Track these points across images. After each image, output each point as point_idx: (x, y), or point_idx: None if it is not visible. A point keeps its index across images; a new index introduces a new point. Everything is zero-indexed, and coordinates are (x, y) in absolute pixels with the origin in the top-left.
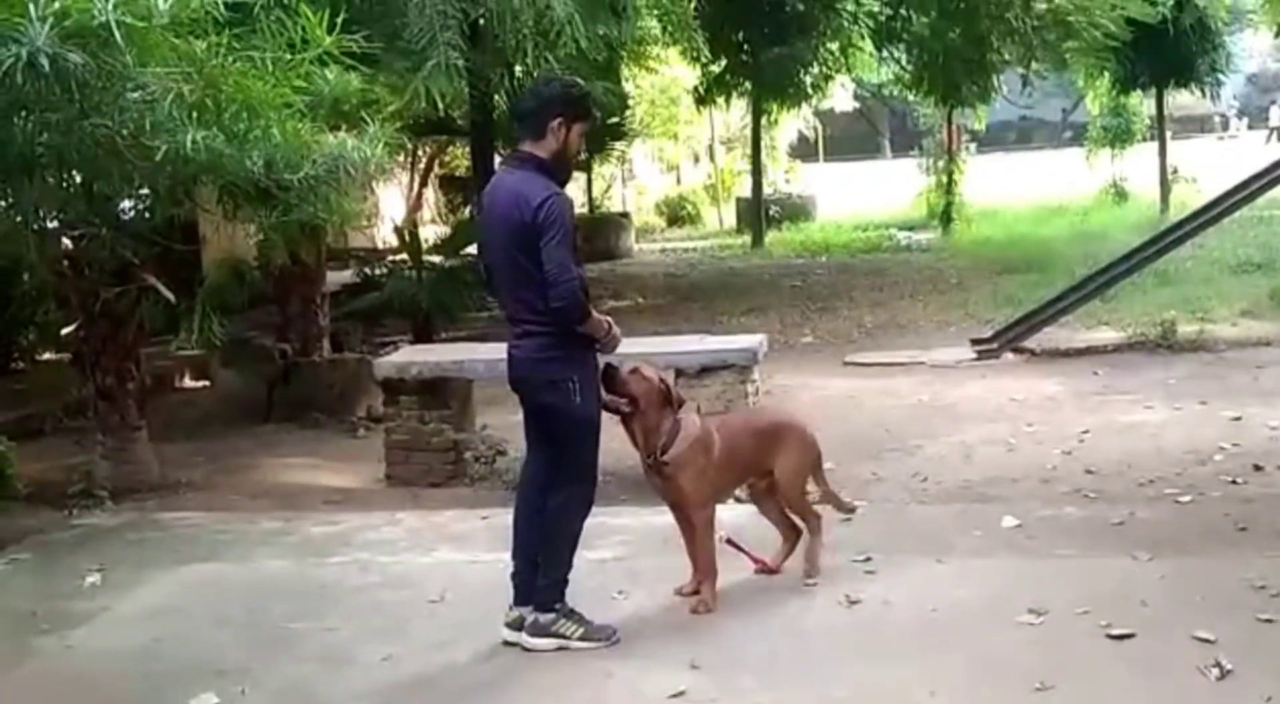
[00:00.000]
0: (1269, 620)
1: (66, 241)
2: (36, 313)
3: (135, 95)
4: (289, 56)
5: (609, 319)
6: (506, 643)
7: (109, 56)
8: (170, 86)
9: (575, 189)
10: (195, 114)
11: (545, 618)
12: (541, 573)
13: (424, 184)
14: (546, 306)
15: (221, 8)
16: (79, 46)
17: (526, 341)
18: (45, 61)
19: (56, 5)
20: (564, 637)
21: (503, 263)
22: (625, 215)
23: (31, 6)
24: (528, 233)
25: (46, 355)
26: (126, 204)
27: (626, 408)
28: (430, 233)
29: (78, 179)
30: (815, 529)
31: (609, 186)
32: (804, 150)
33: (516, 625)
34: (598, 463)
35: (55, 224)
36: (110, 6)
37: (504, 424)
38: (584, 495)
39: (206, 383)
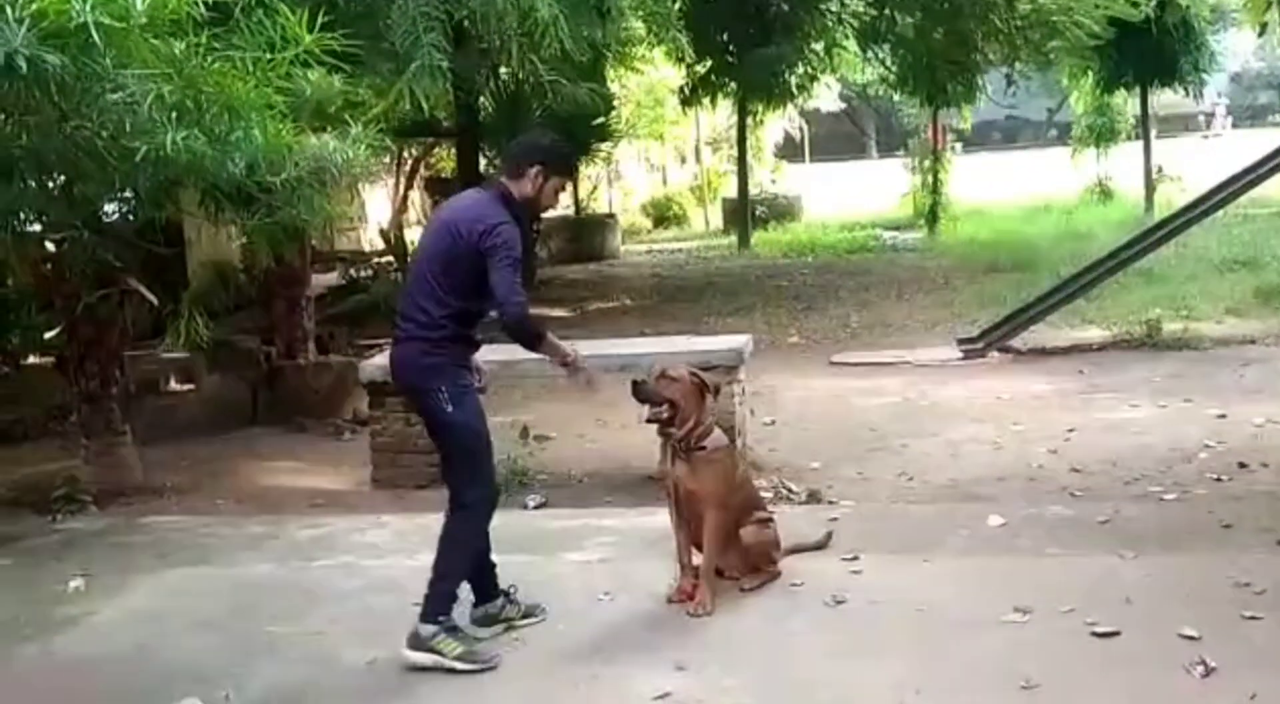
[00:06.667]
0: (1254, 618)
1: (49, 245)
2: (20, 317)
3: (115, 97)
4: (269, 57)
5: (573, 348)
6: (476, 639)
7: (88, 58)
8: (150, 88)
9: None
10: (175, 115)
11: (426, 631)
12: (431, 581)
13: (409, 186)
14: (436, 317)
15: (201, 8)
16: (57, 48)
17: (407, 345)
18: (23, 63)
19: (34, 6)
20: (441, 654)
21: (423, 269)
22: (611, 216)
23: (8, 8)
24: (460, 250)
25: (31, 360)
26: (109, 207)
27: (666, 414)
28: (416, 235)
29: (59, 181)
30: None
31: (595, 188)
32: (789, 151)
33: (483, 622)
34: (489, 472)
35: (37, 228)
36: (88, 7)
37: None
38: (474, 504)
39: (192, 386)
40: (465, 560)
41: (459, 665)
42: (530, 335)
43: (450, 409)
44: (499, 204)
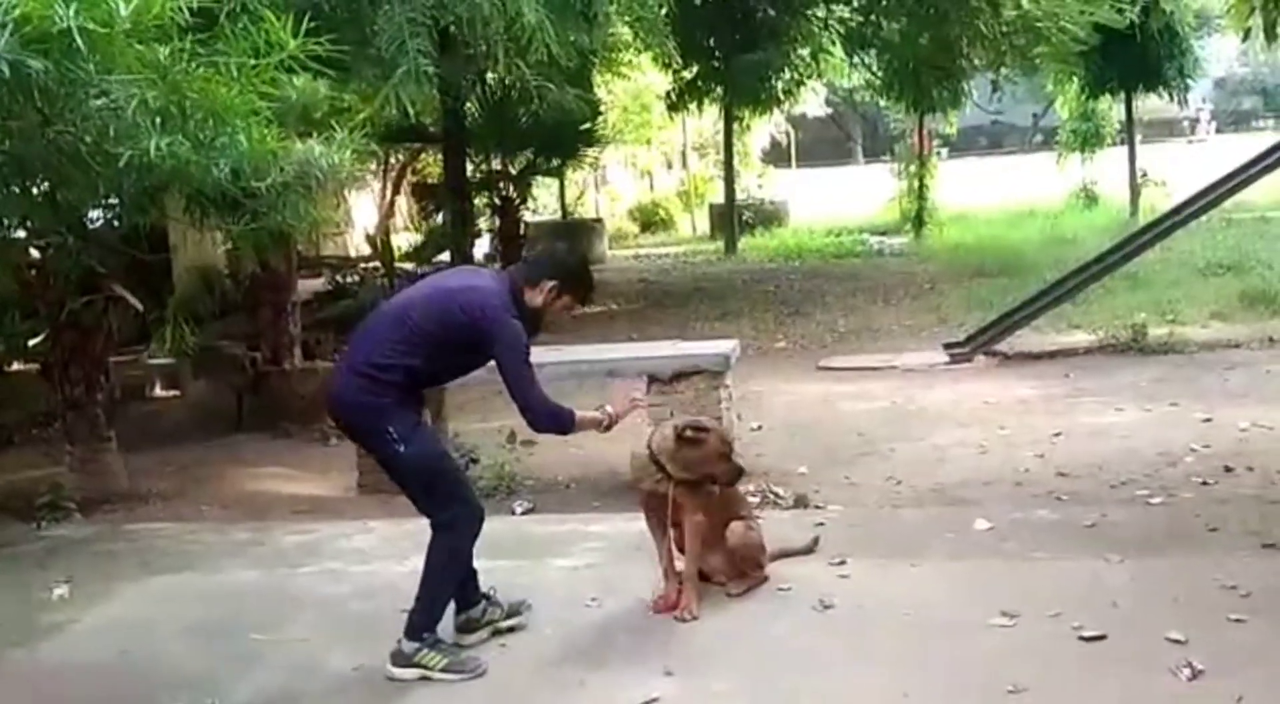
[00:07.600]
0: (1239, 621)
1: (34, 251)
2: (4, 323)
3: (98, 102)
4: (254, 62)
5: (604, 409)
6: (456, 645)
7: (71, 63)
8: (134, 93)
9: (548, 195)
10: (160, 121)
11: (409, 647)
12: (419, 597)
13: (396, 191)
14: (397, 362)
15: (185, 13)
16: (40, 53)
17: (349, 379)
18: (5, 68)
19: (17, 11)
20: (426, 667)
21: (405, 314)
22: (598, 221)
23: None
24: (455, 320)
25: (15, 366)
26: (94, 213)
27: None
28: (402, 240)
29: (42, 187)
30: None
31: (582, 193)
32: (776, 156)
33: (466, 629)
34: (465, 488)
35: (22, 233)
36: (72, 12)
37: (475, 431)
38: (456, 521)
39: (177, 392)
40: (452, 579)
41: (445, 677)
42: (564, 428)
43: (403, 448)
44: (508, 296)
